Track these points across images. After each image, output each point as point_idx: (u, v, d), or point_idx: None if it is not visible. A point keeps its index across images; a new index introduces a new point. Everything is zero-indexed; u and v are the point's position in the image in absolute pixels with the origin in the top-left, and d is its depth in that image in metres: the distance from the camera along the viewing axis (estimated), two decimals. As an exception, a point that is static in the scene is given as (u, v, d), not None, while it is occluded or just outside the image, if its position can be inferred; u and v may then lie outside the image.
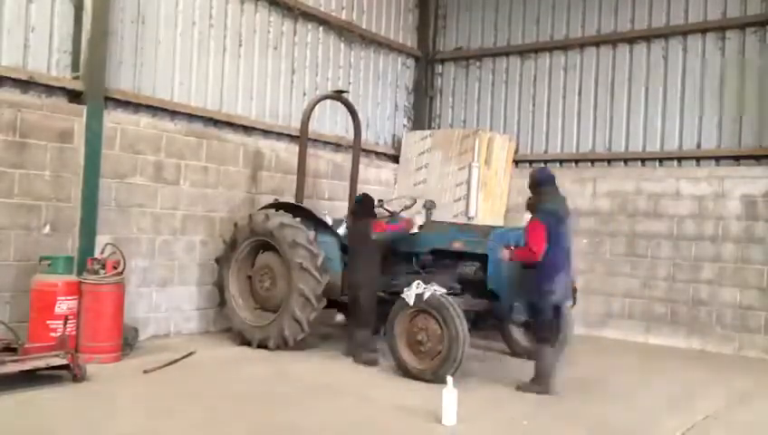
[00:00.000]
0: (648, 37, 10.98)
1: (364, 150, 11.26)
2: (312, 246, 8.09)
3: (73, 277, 7.11)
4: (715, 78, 10.42)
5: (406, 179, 11.99)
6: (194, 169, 9.01)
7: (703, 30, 10.53)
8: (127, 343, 7.51)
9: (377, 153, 12.22)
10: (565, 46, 11.76)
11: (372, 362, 7.69)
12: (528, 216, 7.11)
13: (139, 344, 7.85)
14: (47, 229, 7.55)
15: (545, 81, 11.97)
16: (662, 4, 10.85)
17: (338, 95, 9.83)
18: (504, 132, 12.07)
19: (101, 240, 7.81)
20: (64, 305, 6.85)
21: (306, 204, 8.99)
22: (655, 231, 10.58)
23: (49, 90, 7.70)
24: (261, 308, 8.53)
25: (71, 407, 5.65)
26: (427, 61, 13.13)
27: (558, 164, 11.80)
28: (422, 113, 13.12)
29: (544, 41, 11.95)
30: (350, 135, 10.53)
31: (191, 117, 9.10)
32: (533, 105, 12.06)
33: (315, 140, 10.63)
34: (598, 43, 11.43)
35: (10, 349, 6.27)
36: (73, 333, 6.91)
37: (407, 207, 8.83)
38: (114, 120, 8.15)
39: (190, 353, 7.66)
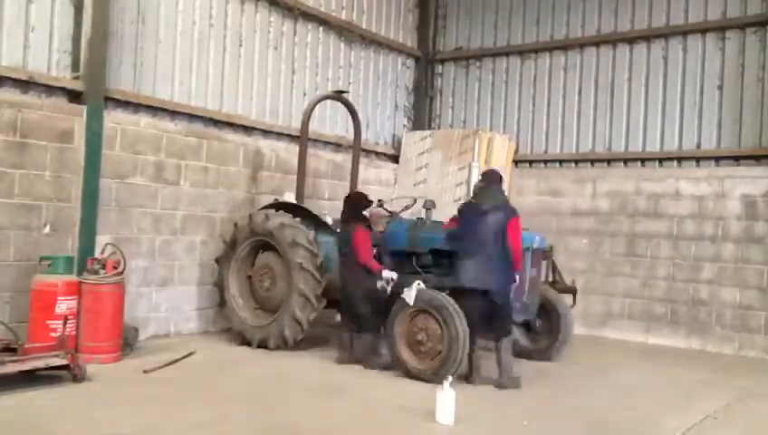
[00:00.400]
0: (647, 37, 10.98)
1: (364, 150, 11.26)
2: (312, 246, 8.09)
3: (73, 277, 7.11)
4: (715, 78, 10.43)
5: (406, 179, 12.00)
6: (194, 169, 9.01)
7: (703, 30, 10.54)
8: (127, 343, 7.51)
9: (377, 153, 12.23)
10: (565, 46, 11.76)
11: (383, 367, 7.54)
12: None
13: (139, 344, 7.84)
14: (47, 229, 7.55)
15: (545, 81, 11.97)
16: (662, 5, 10.86)
17: (338, 95, 9.83)
18: (503, 132, 12.08)
19: (102, 240, 7.81)
20: (64, 305, 6.85)
21: (306, 204, 8.99)
22: (655, 231, 10.59)
23: (49, 90, 7.70)
24: (261, 308, 8.54)
25: (70, 407, 5.65)
26: (427, 61, 13.13)
27: (558, 164, 11.83)
28: (422, 113, 13.12)
29: (544, 41, 11.95)
30: (350, 135, 10.53)
31: (191, 117, 9.11)
32: (533, 105, 12.07)
33: (315, 140, 10.64)
34: (598, 43, 11.44)
35: (10, 349, 6.26)
36: (73, 333, 6.91)
37: (407, 207, 8.84)
38: (114, 120, 8.15)
39: (190, 354, 7.67)
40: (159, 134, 8.63)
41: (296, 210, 8.63)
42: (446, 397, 5.75)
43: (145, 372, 6.85)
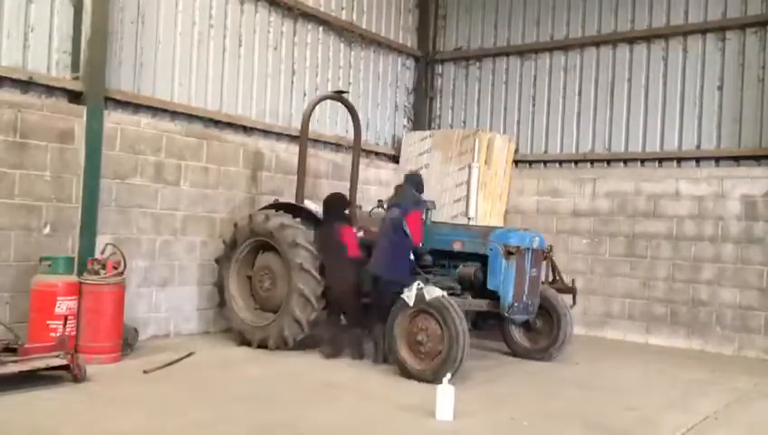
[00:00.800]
0: (648, 38, 10.99)
1: (364, 151, 11.27)
2: (312, 247, 8.09)
3: (73, 278, 7.11)
4: (714, 78, 10.43)
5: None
6: (194, 169, 9.01)
7: (703, 30, 10.54)
8: (127, 343, 7.51)
9: (377, 153, 12.23)
10: (565, 47, 11.77)
11: (362, 356, 7.93)
12: None
13: (139, 345, 7.84)
14: (47, 230, 7.55)
15: (545, 81, 11.98)
16: (662, 5, 10.86)
17: (338, 95, 9.83)
18: (503, 133, 12.08)
19: (102, 240, 7.81)
20: (64, 306, 6.85)
21: (306, 204, 8.99)
22: (654, 231, 10.59)
23: (49, 90, 7.70)
24: (261, 308, 8.54)
25: (70, 407, 5.65)
26: (427, 61, 13.13)
27: (558, 164, 11.83)
28: (422, 114, 13.12)
29: (544, 41, 11.95)
30: (350, 135, 10.53)
31: (191, 117, 9.11)
32: (533, 106, 12.07)
33: (315, 141, 10.64)
34: (598, 43, 11.44)
35: (10, 349, 6.26)
36: (73, 333, 6.92)
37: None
38: (114, 120, 8.15)
39: (190, 354, 7.67)
40: (159, 134, 8.63)
41: (296, 211, 8.63)
42: (446, 394, 5.78)
43: (145, 372, 6.85)
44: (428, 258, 8.20)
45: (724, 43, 10.39)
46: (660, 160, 10.86)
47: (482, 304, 7.81)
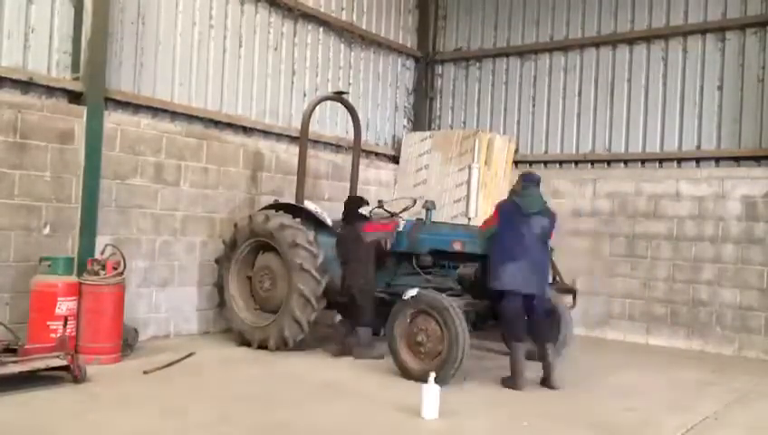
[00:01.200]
0: (647, 38, 10.99)
1: (364, 151, 11.27)
2: (312, 247, 8.09)
3: (73, 278, 7.10)
4: (714, 79, 10.43)
5: (406, 180, 11.99)
6: (194, 169, 9.01)
7: (703, 31, 10.54)
8: (127, 343, 7.51)
9: (377, 154, 12.23)
10: (565, 47, 11.77)
11: (373, 357, 7.87)
12: None
13: (139, 345, 7.84)
14: (47, 230, 7.55)
15: (545, 82, 11.98)
16: (662, 5, 10.86)
17: (338, 96, 9.83)
18: (503, 133, 12.08)
19: (102, 241, 7.81)
20: (64, 306, 6.85)
21: (306, 205, 8.99)
22: (655, 232, 10.59)
23: (49, 90, 7.70)
24: (261, 309, 8.53)
25: (70, 408, 5.65)
26: (426, 62, 13.13)
27: (558, 165, 11.83)
28: (422, 114, 13.12)
29: (544, 42, 11.96)
30: (350, 136, 10.54)
31: (191, 118, 9.11)
32: (533, 106, 12.07)
33: (315, 141, 10.64)
34: (597, 44, 11.44)
35: (10, 350, 6.26)
36: (73, 333, 6.91)
37: (407, 208, 8.85)
38: (114, 120, 8.16)
39: (190, 354, 7.67)
40: (159, 135, 8.63)
41: (296, 211, 8.63)
42: (431, 392, 5.81)
43: (145, 372, 6.84)
44: (428, 259, 8.19)
45: (724, 44, 10.39)
46: (660, 161, 10.86)
47: (482, 305, 7.79)
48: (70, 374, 6.27)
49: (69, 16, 7.85)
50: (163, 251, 8.71)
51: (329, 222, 8.80)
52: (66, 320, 6.77)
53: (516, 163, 12.00)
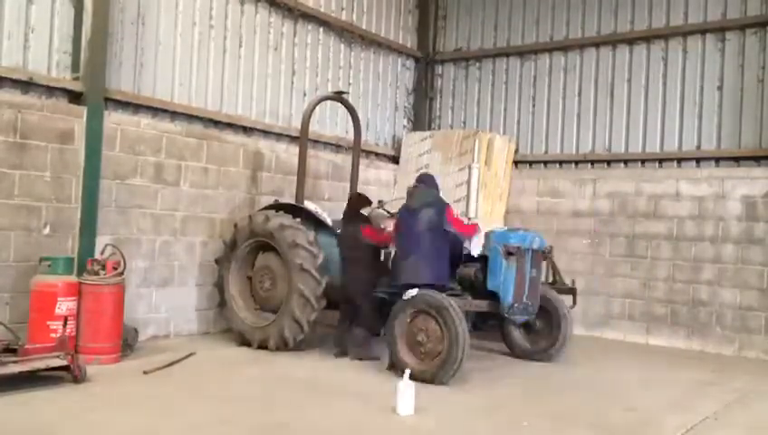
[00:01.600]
0: (647, 38, 10.99)
1: (364, 151, 11.27)
2: (312, 247, 8.09)
3: (73, 278, 7.11)
4: (714, 79, 10.44)
5: (406, 180, 11.94)
6: (194, 169, 9.01)
7: (702, 31, 10.54)
8: (127, 343, 7.51)
9: (377, 154, 12.23)
10: (565, 47, 11.77)
11: (369, 358, 7.87)
12: None
13: (139, 345, 7.84)
14: (47, 230, 7.55)
15: (545, 82, 11.98)
16: (662, 5, 10.87)
17: (338, 96, 9.83)
18: (503, 133, 12.08)
19: (102, 241, 7.81)
20: (64, 306, 6.85)
21: (306, 205, 8.99)
22: (655, 232, 10.59)
23: (49, 90, 7.70)
24: (261, 309, 8.54)
25: (70, 408, 5.65)
26: (426, 62, 13.14)
27: (558, 165, 11.83)
28: (422, 114, 13.13)
29: (544, 42, 11.96)
30: (350, 136, 10.54)
31: (191, 118, 9.11)
32: (533, 106, 12.07)
33: (315, 141, 10.64)
34: (597, 44, 11.44)
35: (10, 350, 6.26)
36: (73, 333, 6.91)
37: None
38: (114, 120, 8.16)
39: (190, 354, 7.67)
40: (159, 135, 8.63)
41: (296, 211, 8.63)
42: (406, 389, 5.84)
43: (145, 372, 6.84)
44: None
45: (724, 44, 10.39)
46: (660, 161, 10.86)
47: (482, 305, 7.80)
48: (70, 374, 6.27)
49: (69, 16, 7.85)
50: (163, 251, 8.71)
51: (329, 222, 8.80)
52: (66, 320, 6.77)
53: (516, 163, 12.01)
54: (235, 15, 9.70)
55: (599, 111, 11.43)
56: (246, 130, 9.87)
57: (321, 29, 11.06)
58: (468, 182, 11.01)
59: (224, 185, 9.38)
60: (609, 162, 11.33)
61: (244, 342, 8.40)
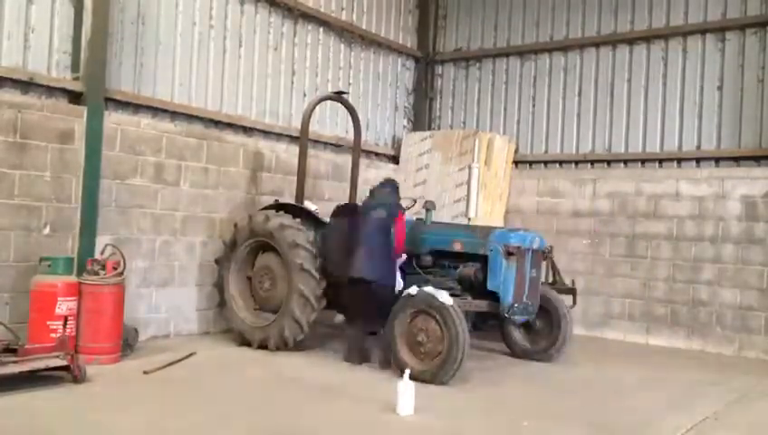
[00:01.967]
0: (647, 38, 10.99)
1: (364, 151, 11.27)
2: (312, 247, 8.09)
3: (73, 278, 7.10)
4: (714, 79, 10.44)
5: (406, 180, 11.99)
6: (194, 169, 9.01)
7: (703, 31, 10.54)
8: (127, 343, 7.50)
9: (377, 154, 12.23)
10: (565, 47, 11.77)
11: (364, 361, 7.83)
12: None
13: (139, 345, 7.84)
14: (47, 230, 7.55)
15: (545, 82, 11.98)
16: (662, 5, 10.87)
17: (338, 96, 9.83)
18: (503, 133, 12.08)
19: (102, 241, 7.81)
20: (64, 306, 6.84)
21: (306, 205, 8.99)
22: (655, 232, 10.58)
23: (49, 90, 7.70)
24: (261, 309, 8.53)
25: (70, 408, 5.65)
26: (426, 62, 13.14)
27: (558, 165, 11.83)
28: (422, 114, 13.13)
29: (544, 42, 11.96)
30: (350, 136, 10.54)
31: (191, 118, 9.11)
32: (533, 106, 12.07)
33: (315, 141, 10.64)
34: (597, 44, 11.44)
35: (10, 350, 6.25)
36: (73, 333, 6.91)
37: (407, 208, 8.83)
38: (114, 120, 8.16)
39: (190, 354, 7.67)
40: (159, 135, 8.63)
41: (296, 211, 8.63)
42: (406, 389, 5.84)
43: (145, 372, 6.84)
44: (428, 259, 8.19)
45: (724, 44, 10.39)
46: (660, 161, 10.86)
47: (482, 305, 7.79)
48: (70, 374, 6.26)
49: (69, 16, 7.85)
50: (163, 251, 8.71)
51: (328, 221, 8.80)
52: (66, 320, 6.77)
53: (516, 163, 12.01)
54: (235, 15, 9.71)
55: (599, 111, 11.44)
56: (246, 130, 9.87)
57: (321, 29, 11.06)
58: (468, 182, 11.08)
59: (224, 185, 9.38)
60: (609, 162, 11.33)
61: (244, 342, 8.39)
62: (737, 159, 10.23)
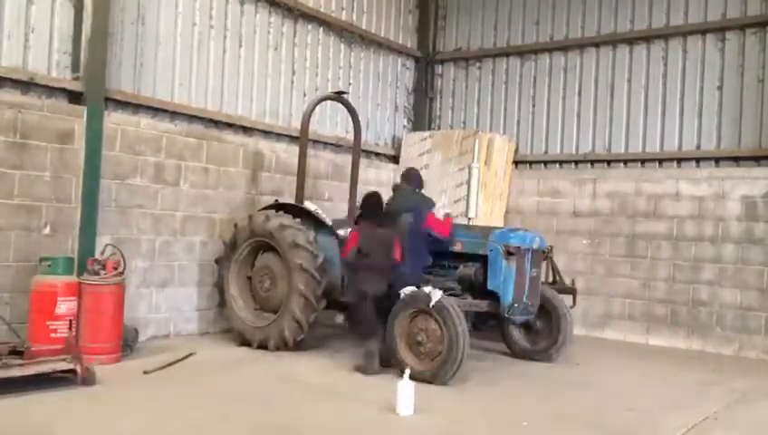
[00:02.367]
0: (647, 38, 10.99)
1: (364, 151, 11.27)
2: (312, 247, 8.09)
3: (73, 278, 7.10)
4: (714, 79, 10.43)
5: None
6: (194, 169, 9.01)
7: (703, 31, 10.54)
8: (127, 343, 7.51)
9: (377, 154, 12.23)
10: (565, 47, 11.77)
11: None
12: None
13: (140, 345, 7.85)
14: (47, 230, 7.55)
15: (545, 81, 11.98)
16: (662, 5, 10.87)
17: (338, 96, 9.83)
18: (503, 133, 12.08)
19: (102, 241, 7.81)
20: (64, 306, 6.85)
21: (306, 205, 8.99)
22: (655, 232, 10.58)
23: (49, 91, 7.70)
24: (261, 309, 8.54)
25: (71, 408, 5.65)
26: (427, 61, 13.14)
27: (558, 165, 11.83)
28: (422, 114, 13.13)
29: (544, 42, 11.96)
30: (350, 136, 10.54)
31: (191, 118, 9.11)
32: (533, 106, 12.07)
33: (315, 141, 10.64)
34: (597, 43, 11.44)
35: (16, 352, 6.22)
36: (74, 334, 6.91)
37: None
38: (114, 120, 8.16)
39: (190, 354, 7.67)
40: (159, 135, 8.63)
41: (296, 211, 8.64)
42: (406, 389, 5.85)
43: (145, 372, 6.85)
44: (428, 259, 8.19)
45: (724, 44, 10.39)
46: (660, 161, 10.86)
47: (482, 305, 7.80)
48: (77, 377, 6.21)
49: (69, 16, 7.85)
50: (163, 251, 8.71)
51: (329, 222, 8.80)
52: (71, 322, 6.77)
53: (516, 163, 12.01)
54: (235, 15, 9.70)
55: (599, 110, 11.43)
56: (246, 130, 9.87)
57: (321, 29, 11.06)
58: (468, 182, 11.08)
59: (224, 185, 9.38)
60: (609, 162, 11.33)
61: (244, 342, 8.40)
62: (737, 159, 10.23)
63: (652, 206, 10.66)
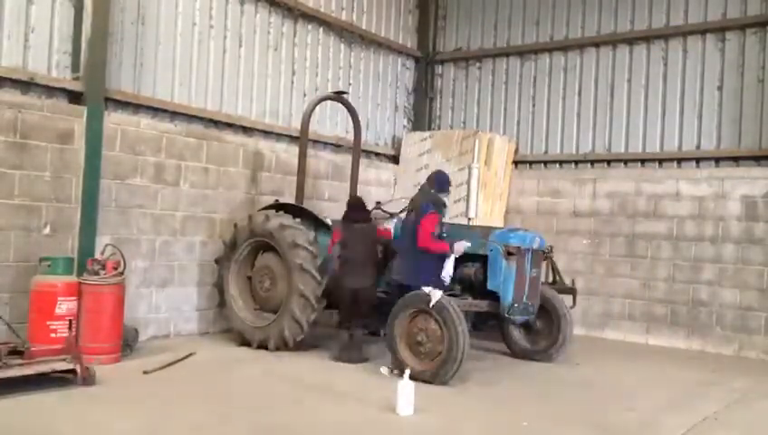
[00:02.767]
0: (647, 38, 10.99)
1: (364, 151, 11.27)
2: (312, 247, 8.09)
3: (73, 278, 7.10)
4: (714, 79, 10.44)
5: (405, 180, 11.99)
6: (194, 169, 9.01)
7: (703, 31, 10.54)
8: (127, 343, 7.51)
9: (377, 154, 12.24)
10: (565, 47, 11.77)
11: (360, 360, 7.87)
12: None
13: (139, 345, 7.85)
14: (47, 230, 7.55)
15: (545, 82, 11.98)
16: (662, 5, 10.87)
17: (338, 96, 9.83)
18: (503, 133, 12.08)
19: (102, 241, 7.81)
20: (64, 306, 6.85)
21: (306, 205, 9.00)
22: (655, 232, 10.59)
23: (49, 91, 7.71)
24: (261, 309, 8.54)
25: (70, 408, 5.65)
26: (427, 62, 13.14)
27: (558, 165, 11.83)
28: (422, 114, 13.13)
29: (544, 42, 11.96)
30: (350, 136, 10.54)
31: (191, 118, 9.12)
32: (533, 106, 12.07)
33: (315, 141, 10.64)
34: (597, 43, 11.44)
35: (16, 352, 6.21)
36: (73, 334, 6.90)
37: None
38: (114, 120, 8.16)
39: (190, 354, 7.67)
40: (159, 135, 8.63)
41: (296, 211, 8.63)
42: (406, 389, 5.85)
43: (145, 372, 6.85)
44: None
45: (724, 44, 10.39)
46: (660, 161, 10.86)
47: (482, 305, 7.80)
48: (78, 377, 6.21)
49: (69, 16, 7.85)
50: (163, 251, 8.71)
51: (329, 222, 8.80)
52: (71, 322, 6.76)
53: (516, 163, 12.01)
54: (235, 15, 9.71)
55: (599, 110, 11.44)
56: (246, 130, 9.87)
57: (321, 29, 11.06)
58: (468, 182, 11.08)
59: (224, 185, 9.39)
60: (609, 162, 11.33)
61: (244, 342, 8.40)
62: (737, 159, 10.23)
63: (652, 206, 10.66)
